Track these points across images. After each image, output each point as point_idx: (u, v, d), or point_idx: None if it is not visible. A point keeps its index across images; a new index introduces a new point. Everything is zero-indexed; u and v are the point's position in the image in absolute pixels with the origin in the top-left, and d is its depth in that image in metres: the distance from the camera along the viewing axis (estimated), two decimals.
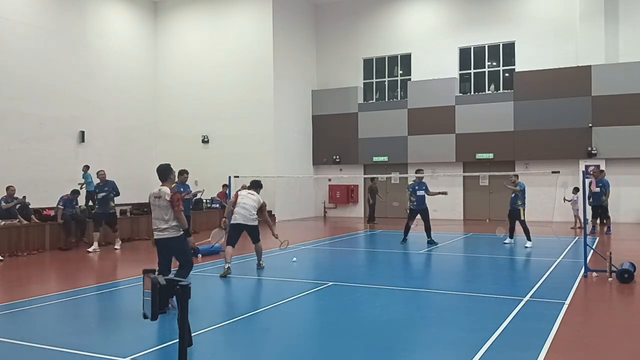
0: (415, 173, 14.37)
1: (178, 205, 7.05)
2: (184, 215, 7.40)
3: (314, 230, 19.06)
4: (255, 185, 10.34)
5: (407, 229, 14.05)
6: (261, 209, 10.07)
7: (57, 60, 19.46)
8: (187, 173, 12.52)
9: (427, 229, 13.79)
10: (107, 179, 13.69)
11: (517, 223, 13.41)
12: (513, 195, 13.30)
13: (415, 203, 13.76)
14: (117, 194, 13.84)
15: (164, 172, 7.26)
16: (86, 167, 18.11)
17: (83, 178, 18.00)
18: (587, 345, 5.65)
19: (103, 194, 13.53)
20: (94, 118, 20.80)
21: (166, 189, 7.12)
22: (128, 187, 22.17)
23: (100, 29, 21.44)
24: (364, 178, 23.55)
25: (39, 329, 6.57)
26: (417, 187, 13.83)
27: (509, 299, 7.55)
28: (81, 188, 16.61)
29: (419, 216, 13.82)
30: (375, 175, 21.18)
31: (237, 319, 6.74)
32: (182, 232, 7.16)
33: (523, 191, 13.25)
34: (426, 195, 13.89)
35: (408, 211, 14.06)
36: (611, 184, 16.84)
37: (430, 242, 13.64)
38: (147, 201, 7.58)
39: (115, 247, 13.83)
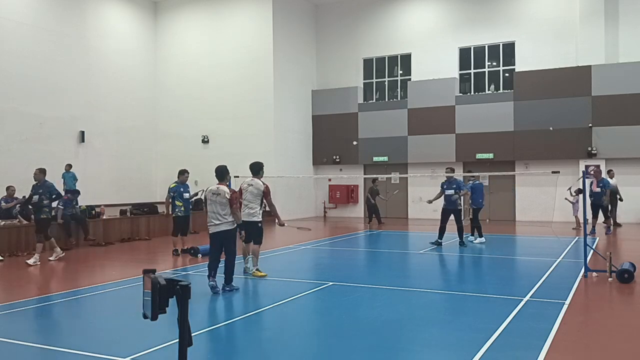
0: (445, 172, 13.57)
1: (236, 202, 8.07)
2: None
3: (314, 230, 19.01)
4: (255, 171, 9.53)
5: (441, 230, 13.24)
6: (265, 195, 9.31)
7: (57, 60, 19.44)
8: (188, 173, 12.53)
9: (459, 230, 13.22)
10: (45, 179, 11.78)
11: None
12: (462, 194, 13.34)
13: (444, 203, 13.14)
14: (52, 197, 11.85)
15: (222, 172, 8.23)
16: (68, 166, 17.22)
17: (62, 177, 16.89)
18: (587, 345, 5.65)
19: (36, 197, 11.57)
20: (94, 118, 20.78)
21: (225, 188, 8.03)
22: (128, 187, 22.30)
23: (100, 29, 21.43)
24: (364, 178, 23.55)
25: (39, 329, 6.57)
26: (445, 186, 13.17)
27: (509, 299, 7.55)
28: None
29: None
30: (376, 176, 21.14)
31: (237, 319, 6.75)
32: (235, 226, 8.15)
33: (472, 191, 13.53)
34: (459, 196, 13.09)
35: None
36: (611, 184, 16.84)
37: (462, 244, 13.10)
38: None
39: (50, 257, 11.91)
